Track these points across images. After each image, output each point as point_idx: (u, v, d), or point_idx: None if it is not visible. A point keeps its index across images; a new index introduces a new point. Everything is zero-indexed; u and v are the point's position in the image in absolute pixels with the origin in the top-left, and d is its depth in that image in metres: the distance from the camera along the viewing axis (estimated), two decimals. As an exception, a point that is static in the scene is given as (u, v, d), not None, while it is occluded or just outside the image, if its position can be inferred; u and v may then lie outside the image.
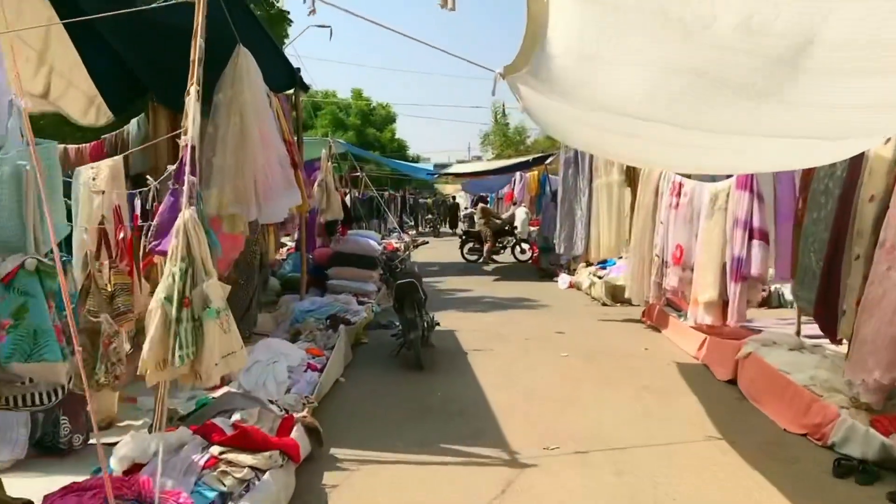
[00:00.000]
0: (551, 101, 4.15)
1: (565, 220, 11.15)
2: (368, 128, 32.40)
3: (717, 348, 7.23)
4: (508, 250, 19.33)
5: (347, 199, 21.47)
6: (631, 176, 9.83)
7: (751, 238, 7.08)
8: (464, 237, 19.85)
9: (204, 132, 5.76)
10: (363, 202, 22.20)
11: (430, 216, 33.64)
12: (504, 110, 52.93)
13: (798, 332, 7.13)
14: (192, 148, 4.07)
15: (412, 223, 34.66)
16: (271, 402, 5.15)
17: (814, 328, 6.09)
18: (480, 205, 20.46)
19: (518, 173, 26.63)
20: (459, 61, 8.31)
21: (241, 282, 7.03)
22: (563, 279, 13.91)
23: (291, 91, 9.16)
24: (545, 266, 15.49)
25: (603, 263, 13.46)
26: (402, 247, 22.14)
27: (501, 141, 47.66)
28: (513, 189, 28.44)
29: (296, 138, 9.07)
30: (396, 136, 35.39)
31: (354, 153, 17.93)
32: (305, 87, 9.43)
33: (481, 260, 18.78)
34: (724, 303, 7.42)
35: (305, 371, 5.98)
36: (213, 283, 3.67)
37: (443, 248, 24.33)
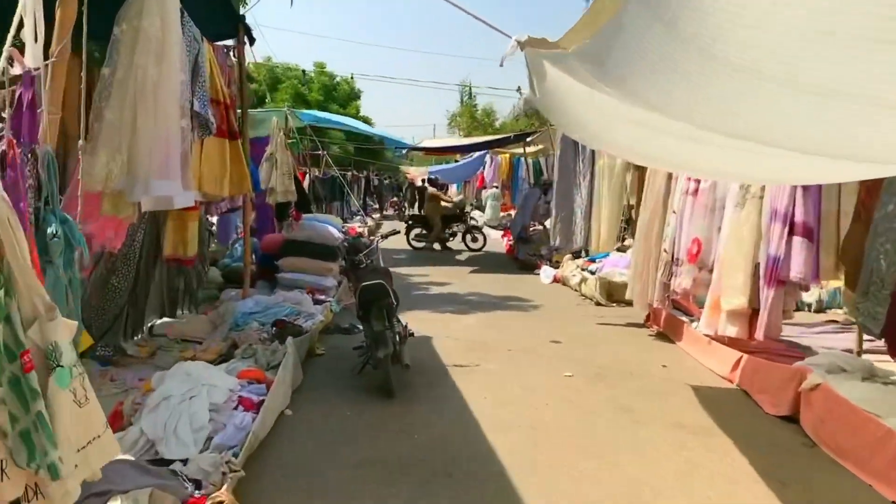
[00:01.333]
0: (591, 90, 3.34)
1: (562, 207, 9.48)
2: (331, 103, 30.52)
3: (760, 372, 5.82)
4: (459, 237, 17.67)
5: (306, 179, 19.79)
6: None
7: (791, 233, 5.72)
8: (409, 222, 18.12)
9: (96, 76, 4.17)
10: (324, 182, 20.49)
11: (395, 199, 31.98)
12: (471, 91, 51.48)
13: (859, 353, 5.79)
14: (32, 78, 2.49)
15: (376, 206, 32.96)
16: (182, 464, 3.58)
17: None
18: (430, 189, 18.82)
19: (489, 156, 25.20)
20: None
21: (114, 283, 5.43)
22: (547, 273, 12.47)
23: (232, 42, 7.50)
24: (523, 257, 14.01)
25: (592, 256, 12.07)
26: (367, 232, 20.61)
27: (469, 122, 46.20)
28: (483, 172, 27.01)
29: (237, 101, 7.45)
30: (361, 113, 33.54)
31: (319, 124, 16.08)
32: (252, 39, 7.74)
33: (426, 246, 17.26)
34: (753, 312, 6.08)
35: (237, 407, 4.39)
36: (58, 323, 2.09)
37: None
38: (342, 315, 8.24)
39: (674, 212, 7.21)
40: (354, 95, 32.91)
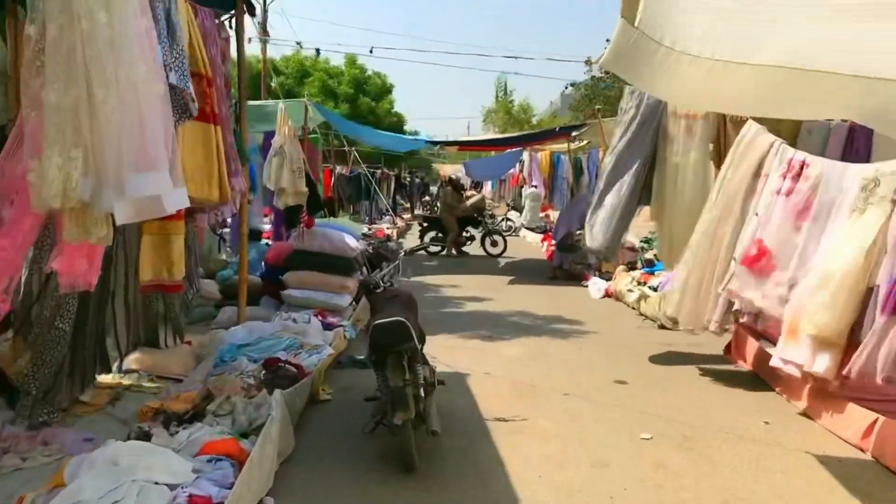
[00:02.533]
0: None
1: (601, 207, 7.62)
2: (362, 97, 29.22)
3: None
4: (478, 241, 16.19)
5: (331, 178, 18.48)
6: (720, 150, 6.84)
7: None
8: (424, 224, 16.49)
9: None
10: (349, 180, 19.17)
11: (427, 198, 30.56)
12: (506, 87, 49.81)
13: None
14: None
15: (408, 205, 31.61)
16: None
17: None
18: (448, 187, 17.24)
19: (526, 154, 23.61)
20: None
21: (60, 326, 4.13)
22: (597, 285, 10.93)
23: (227, 17, 6.13)
24: (567, 267, 12.45)
25: (650, 268, 10.50)
26: (396, 234, 19.18)
27: (505, 119, 44.67)
28: (521, 171, 25.42)
29: (231, 83, 6.07)
30: (394, 109, 32.20)
31: (334, 123, 14.70)
32: (252, 9, 6.36)
33: (444, 252, 15.58)
34: (850, 345, 4.55)
35: (185, 512, 2.99)
36: None
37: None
38: (359, 341, 6.84)
39: (755, 213, 5.67)
40: (387, 89, 31.53)
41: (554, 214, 23.47)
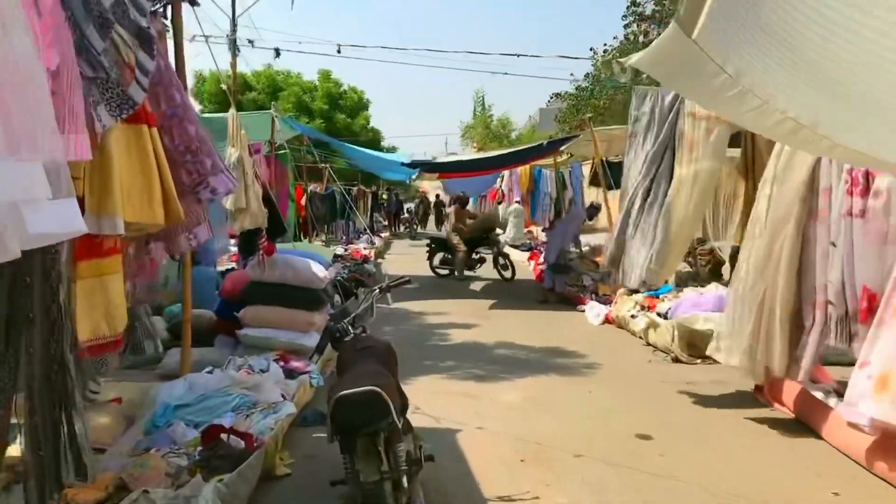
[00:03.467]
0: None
1: (637, 231, 6.57)
2: (338, 113, 28.19)
3: None
4: (487, 263, 14.71)
5: (304, 197, 17.36)
6: (748, 160, 5.88)
7: None
8: (432, 245, 15.18)
9: None
10: (324, 198, 18.07)
11: (405, 215, 29.52)
12: (484, 101, 48.98)
13: None
14: None
15: (386, 223, 30.54)
16: None
17: None
18: (455, 205, 16.12)
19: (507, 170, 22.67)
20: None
21: None
22: (595, 310, 9.92)
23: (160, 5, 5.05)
24: (560, 290, 11.43)
25: (655, 290, 9.52)
26: (374, 254, 18.09)
27: (484, 134, 43.84)
28: (500, 185, 24.50)
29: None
30: (370, 125, 31.19)
31: (308, 135, 13.69)
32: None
33: (457, 275, 14.22)
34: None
35: None
36: None
37: (421, 256, 20.17)
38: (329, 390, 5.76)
39: (832, 244, 4.71)
40: (363, 105, 30.54)
41: (536, 230, 22.54)
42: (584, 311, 10.36)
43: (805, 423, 5.32)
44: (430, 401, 5.86)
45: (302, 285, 6.20)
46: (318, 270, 6.22)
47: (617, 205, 11.44)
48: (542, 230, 20.95)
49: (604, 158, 10.24)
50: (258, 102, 24.74)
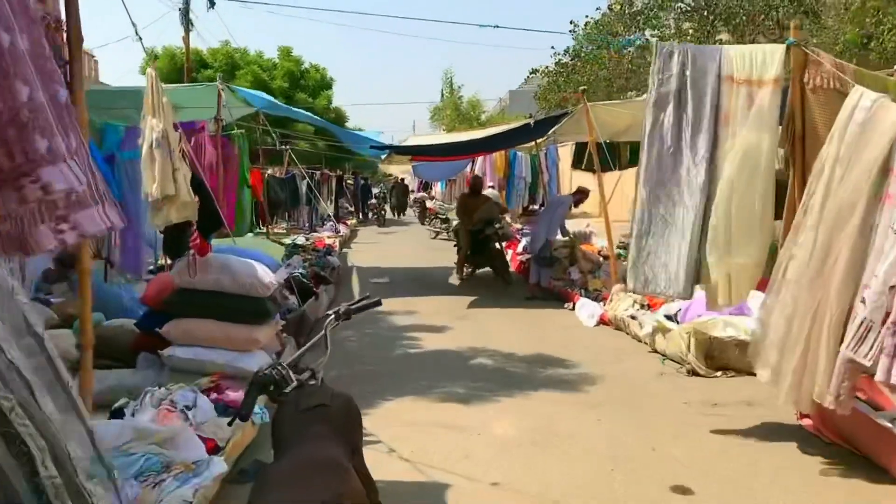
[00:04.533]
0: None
1: (650, 223, 4.95)
2: (298, 93, 26.66)
3: None
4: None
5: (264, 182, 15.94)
6: (794, 132, 4.74)
7: None
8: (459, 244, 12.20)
9: None
10: (283, 183, 16.68)
11: (373, 201, 28.17)
12: (452, 83, 47.49)
13: None
14: None
15: (353, 209, 29.14)
16: None
17: None
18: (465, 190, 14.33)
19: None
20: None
21: None
22: (587, 309, 8.79)
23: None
24: (546, 284, 10.27)
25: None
26: (338, 244, 16.76)
27: (453, 116, 42.53)
28: (473, 170, 23.29)
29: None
30: (333, 105, 29.70)
31: (272, 112, 12.23)
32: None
33: (453, 276, 12.15)
34: None
35: None
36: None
37: (391, 246, 18.92)
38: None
39: (893, 229, 3.62)
40: (325, 84, 29.01)
41: (511, 217, 21.36)
42: (572, 308, 9.24)
43: (876, 461, 4.25)
44: (403, 436, 4.69)
45: (242, 293, 4.93)
46: (263, 274, 4.95)
47: (610, 190, 10.40)
48: (517, 216, 19.82)
49: (607, 140, 9.06)
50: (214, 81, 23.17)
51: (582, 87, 9.17)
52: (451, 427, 4.94)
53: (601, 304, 8.80)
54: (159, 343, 5.16)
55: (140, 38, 11.41)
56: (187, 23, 22.84)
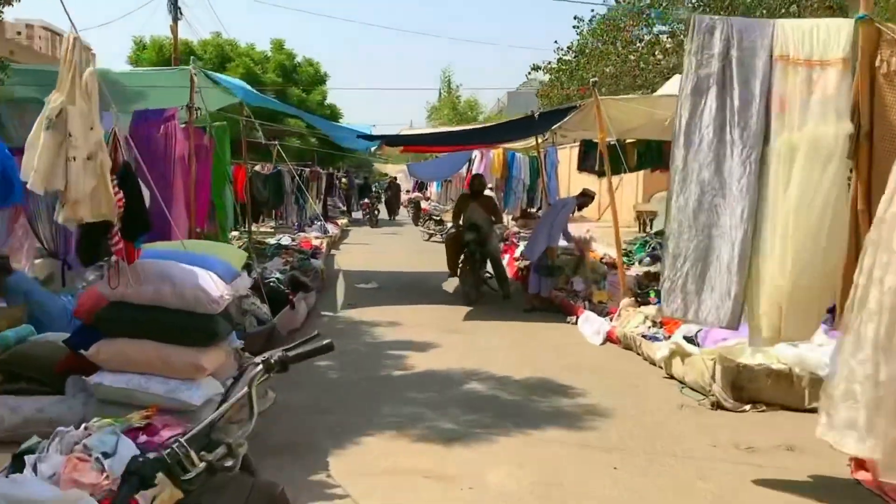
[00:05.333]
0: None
1: (693, 240, 4.03)
2: (291, 87, 25.77)
3: None
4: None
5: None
6: (863, 133, 3.88)
7: None
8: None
9: None
10: (266, 180, 15.79)
11: (366, 200, 27.27)
12: (450, 83, 46.65)
13: None
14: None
15: (344, 208, 28.24)
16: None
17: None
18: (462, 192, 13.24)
19: (476, 151, 20.64)
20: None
21: None
22: (592, 324, 7.93)
23: None
24: (545, 293, 9.39)
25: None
26: (325, 245, 15.84)
27: (451, 116, 41.75)
28: (470, 171, 22.42)
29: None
30: (327, 102, 28.79)
31: (253, 103, 11.31)
32: None
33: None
34: None
35: None
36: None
37: (383, 247, 18.01)
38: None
39: None
40: (319, 79, 28.11)
41: (507, 220, 20.47)
42: (575, 323, 8.40)
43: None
44: (377, 489, 3.83)
45: (186, 308, 4.06)
46: (213, 285, 4.08)
47: (614, 194, 9.60)
48: (513, 219, 19.04)
49: (615, 140, 8.20)
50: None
51: (592, 79, 8.30)
52: (435, 477, 4.07)
53: (608, 319, 7.97)
54: (90, 365, 4.30)
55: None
56: (176, 10, 21.96)
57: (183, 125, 8.67)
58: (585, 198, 9.92)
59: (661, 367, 6.39)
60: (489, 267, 10.22)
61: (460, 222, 10.29)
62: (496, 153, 19.76)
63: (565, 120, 8.52)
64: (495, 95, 60.16)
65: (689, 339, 6.19)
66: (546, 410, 5.37)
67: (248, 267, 6.65)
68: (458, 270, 10.11)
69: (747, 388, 5.46)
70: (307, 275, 9.91)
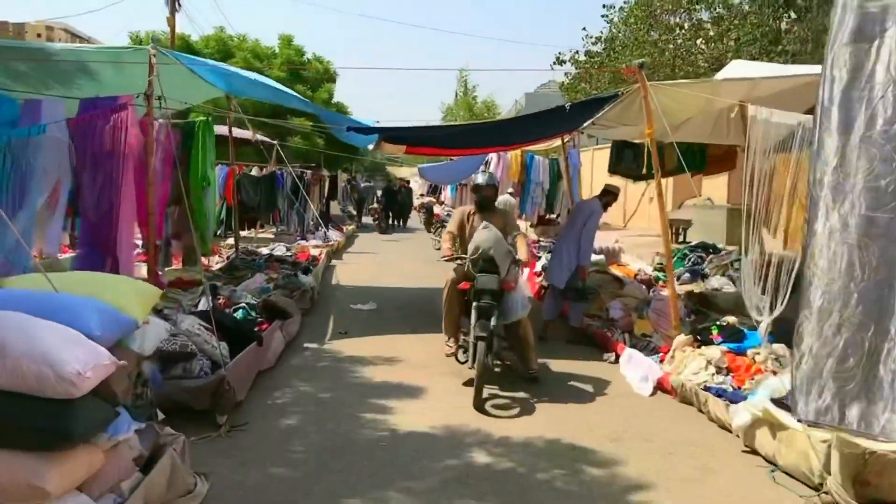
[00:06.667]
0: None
1: (857, 290, 2.38)
2: (297, 84, 24.29)
3: None
4: None
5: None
6: None
7: None
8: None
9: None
10: (258, 182, 14.27)
11: (375, 205, 25.74)
12: (467, 83, 45.07)
13: None
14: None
15: (354, 212, 26.71)
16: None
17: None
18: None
19: (493, 154, 19.03)
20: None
21: None
22: (638, 367, 6.31)
23: None
24: (574, 322, 7.76)
25: (737, 342, 6.02)
26: (324, 255, 14.24)
27: (467, 117, 40.28)
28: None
29: None
30: (335, 100, 27.29)
31: (197, 72, 8.96)
32: None
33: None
34: None
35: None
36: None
37: (390, 257, 16.34)
38: None
39: None
40: (329, 77, 26.62)
41: (525, 227, 18.82)
42: (615, 361, 6.81)
43: None
44: None
45: (24, 390, 2.51)
46: (68, 354, 2.52)
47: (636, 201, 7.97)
48: (531, 226, 17.50)
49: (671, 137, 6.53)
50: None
51: (639, 61, 6.69)
52: None
53: (656, 358, 6.38)
54: None
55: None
56: (173, 1, 20.60)
57: (143, 118, 7.19)
58: (609, 196, 8.27)
59: (737, 436, 4.78)
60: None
61: (464, 253, 6.10)
62: (513, 155, 18.15)
63: (604, 111, 6.88)
64: (513, 97, 58.62)
65: (781, 404, 4.57)
66: (589, 513, 3.80)
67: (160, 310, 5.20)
68: (461, 338, 6.23)
69: (876, 485, 3.84)
70: (293, 294, 8.38)
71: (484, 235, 5.84)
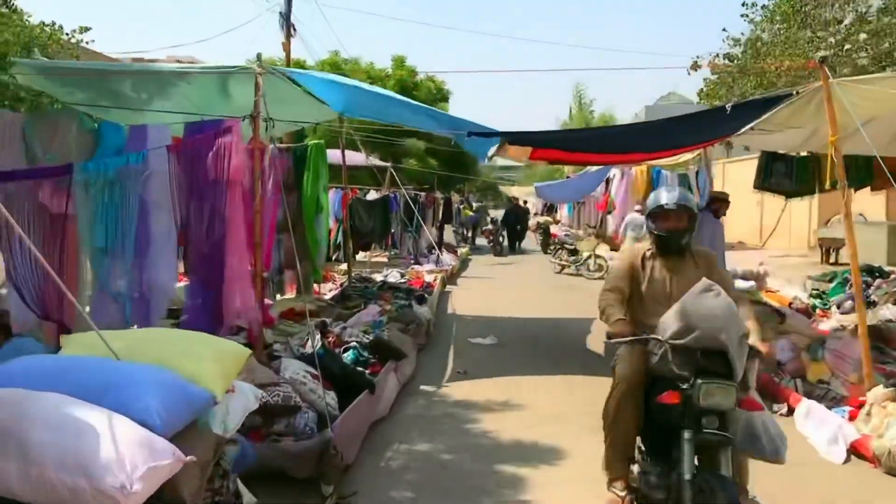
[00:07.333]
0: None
1: None
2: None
3: None
4: None
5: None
6: None
7: None
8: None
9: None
10: (371, 206, 13.82)
11: (489, 227, 25.00)
12: (581, 98, 43.61)
13: None
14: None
15: (469, 235, 26.07)
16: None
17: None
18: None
19: (616, 168, 17.79)
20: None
21: None
22: (824, 426, 5.16)
23: None
24: (750, 382, 6.59)
25: None
26: (440, 282, 13.56)
27: (583, 133, 38.97)
28: (608, 191, 19.51)
29: None
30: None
31: (346, 112, 8.53)
32: None
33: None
34: None
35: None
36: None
37: (507, 281, 15.38)
38: None
39: None
40: (442, 96, 26.25)
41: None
42: (788, 414, 5.67)
43: None
44: None
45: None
46: (110, 458, 1.87)
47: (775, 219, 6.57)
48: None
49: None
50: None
51: (821, 54, 5.59)
52: None
53: (842, 413, 5.20)
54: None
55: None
56: (288, 27, 20.79)
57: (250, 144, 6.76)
58: (718, 203, 7.23)
59: None
60: None
61: (648, 330, 3.59)
62: (639, 171, 16.89)
63: (773, 112, 5.73)
64: (631, 111, 56.70)
65: None
66: None
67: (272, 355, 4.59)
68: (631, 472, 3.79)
69: None
70: (408, 328, 7.70)
71: (709, 304, 3.28)
